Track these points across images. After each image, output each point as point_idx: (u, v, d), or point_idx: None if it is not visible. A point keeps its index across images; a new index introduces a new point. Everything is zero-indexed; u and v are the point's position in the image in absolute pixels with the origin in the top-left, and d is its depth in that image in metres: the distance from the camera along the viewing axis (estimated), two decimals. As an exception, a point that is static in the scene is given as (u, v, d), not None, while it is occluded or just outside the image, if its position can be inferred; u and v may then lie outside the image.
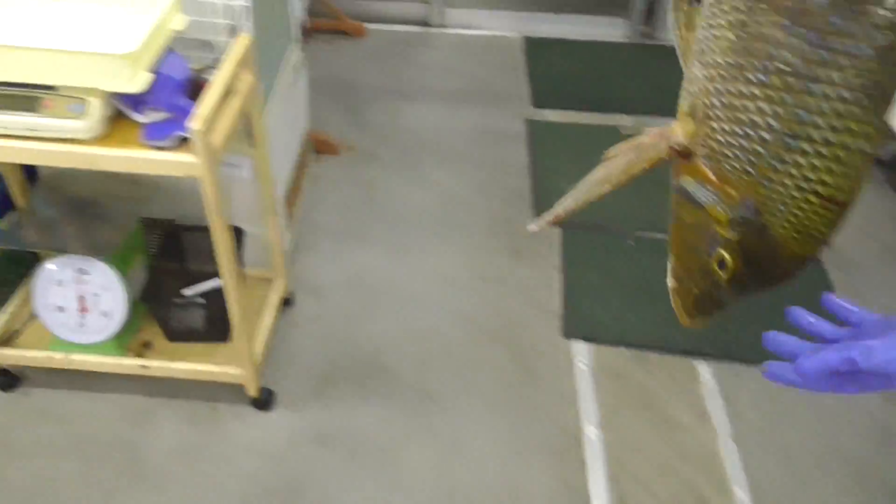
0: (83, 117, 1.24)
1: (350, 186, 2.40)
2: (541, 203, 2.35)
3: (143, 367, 1.64)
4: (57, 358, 1.63)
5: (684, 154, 0.57)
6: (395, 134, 2.65)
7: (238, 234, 1.80)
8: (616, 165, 0.63)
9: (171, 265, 1.79)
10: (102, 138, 1.27)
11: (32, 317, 1.72)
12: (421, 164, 2.51)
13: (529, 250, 2.18)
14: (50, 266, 1.59)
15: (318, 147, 2.50)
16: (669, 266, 0.65)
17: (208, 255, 1.86)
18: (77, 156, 1.26)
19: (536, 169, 2.50)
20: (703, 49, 0.54)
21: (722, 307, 0.62)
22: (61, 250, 1.54)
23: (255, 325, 1.75)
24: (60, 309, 1.62)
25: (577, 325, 1.96)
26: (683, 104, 0.57)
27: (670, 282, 0.65)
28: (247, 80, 1.47)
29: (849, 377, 0.53)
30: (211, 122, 1.27)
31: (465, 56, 3.11)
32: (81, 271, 1.60)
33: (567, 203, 0.64)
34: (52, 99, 1.24)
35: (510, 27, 3.26)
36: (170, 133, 1.28)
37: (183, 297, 1.78)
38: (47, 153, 1.25)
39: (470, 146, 2.61)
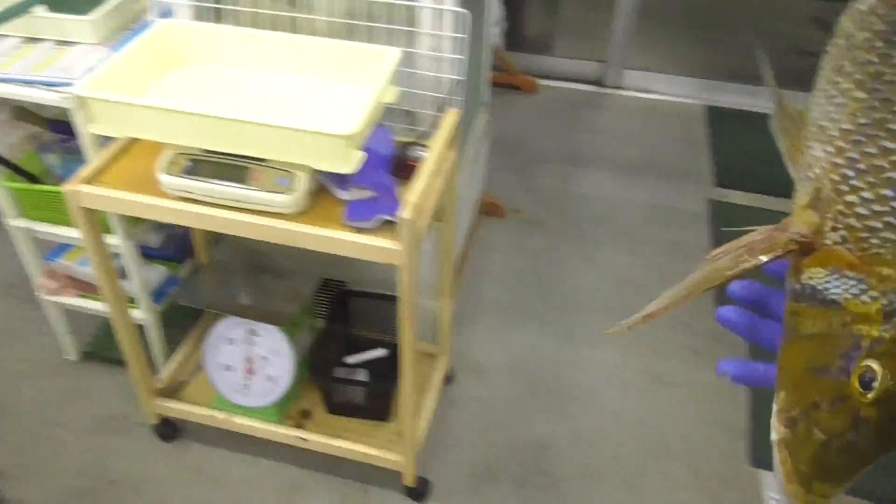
0: (289, 192, 1.18)
1: (515, 255, 2.28)
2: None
3: (302, 439, 1.56)
4: (219, 418, 1.58)
5: (807, 248, 0.46)
6: (564, 201, 2.51)
7: (409, 306, 1.71)
8: (722, 264, 0.51)
9: (336, 330, 1.72)
10: (303, 213, 1.21)
11: (198, 367, 1.70)
12: (591, 237, 2.36)
13: (711, 352, 1.97)
14: (223, 323, 1.56)
15: (486, 208, 2.41)
16: (775, 409, 0.46)
17: (374, 321, 1.79)
18: (278, 231, 1.19)
19: (719, 256, 2.28)
20: (822, 126, 0.47)
21: (860, 464, 0.42)
22: (239, 315, 1.49)
23: (418, 406, 1.65)
24: (228, 368, 1.58)
25: (768, 450, 1.72)
26: (801, 197, 0.48)
27: (777, 431, 0.45)
28: (450, 157, 1.38)
29: None
30: (419, 209, 1.17)
31: (642, 122, 2.94)
32: (252, 332, 1.55)
33: (659, 303, 0.51)
34: (261, 171, 1.18)
35: (692, 94, 3.05)
36: (374, 216, 1.20)
37: (346, 365, 1.72)
38: (249, 225, 1.20)
39: (645, 223, 2.43)
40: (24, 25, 1.41)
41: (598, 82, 3.13)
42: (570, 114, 2.97)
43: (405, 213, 1.13)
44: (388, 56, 1.25)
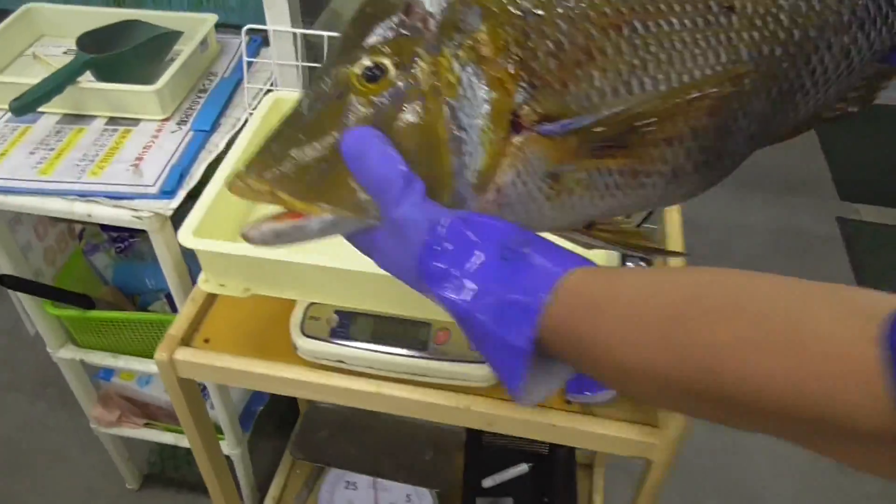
0: (479, 358, 0.81)
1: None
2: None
3: None
4: (340, 583, 1.24)
5: None
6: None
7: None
8: None
9: (471, 444, 1.38)
10: (500, 385, 0.85)
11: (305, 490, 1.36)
12: (714, 273, 2.01)
13: None
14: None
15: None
16: None
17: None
18: (474, 415, 0.83)
19: (869, 294, 1.94)
20: None
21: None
22: (380, 476, 1.13)
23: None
24: (348, 518, 1.24)
25: None
26: None
27: None
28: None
29: None
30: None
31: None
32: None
33: None
34: (446, 330, 0.82)
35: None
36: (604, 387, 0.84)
37: (485, 492, 1.38)
38: (428, 406, 0.83)
39: (771, 252, 2.08)
40: (66, 98, 1.01)
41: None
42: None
43: (678, 400, 0.77)
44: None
